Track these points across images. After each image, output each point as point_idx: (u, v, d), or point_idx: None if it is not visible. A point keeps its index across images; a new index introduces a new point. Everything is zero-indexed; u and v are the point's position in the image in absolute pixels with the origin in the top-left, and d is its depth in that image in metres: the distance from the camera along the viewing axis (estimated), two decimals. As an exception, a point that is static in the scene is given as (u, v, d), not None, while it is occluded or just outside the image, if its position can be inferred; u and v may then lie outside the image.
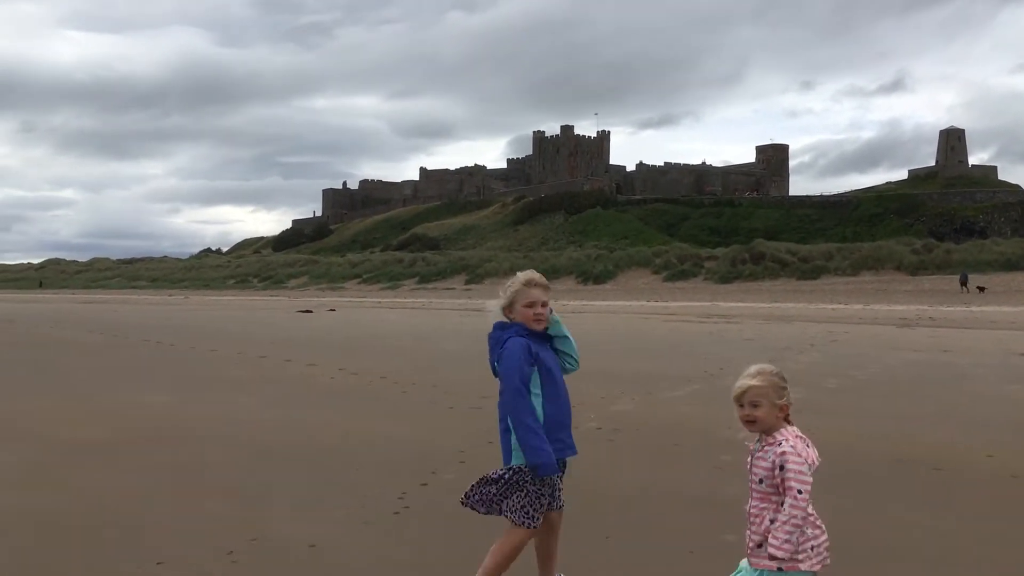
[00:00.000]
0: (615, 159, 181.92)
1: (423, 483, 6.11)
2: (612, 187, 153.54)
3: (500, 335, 3.82)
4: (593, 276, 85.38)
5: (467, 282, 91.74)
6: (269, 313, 37.83)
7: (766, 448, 3.13)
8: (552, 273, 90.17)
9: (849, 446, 7.30)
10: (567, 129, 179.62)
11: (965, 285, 56.37)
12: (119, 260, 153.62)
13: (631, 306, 43.68)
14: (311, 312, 37.11)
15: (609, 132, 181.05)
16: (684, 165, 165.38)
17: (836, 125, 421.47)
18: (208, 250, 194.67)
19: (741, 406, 3.17)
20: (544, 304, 3.82)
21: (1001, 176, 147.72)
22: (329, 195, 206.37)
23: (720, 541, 4.70)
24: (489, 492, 3.80)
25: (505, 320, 3.86)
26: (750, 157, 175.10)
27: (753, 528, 3.15)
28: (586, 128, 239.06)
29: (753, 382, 3.17)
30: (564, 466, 3.95)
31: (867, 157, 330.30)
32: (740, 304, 49.00)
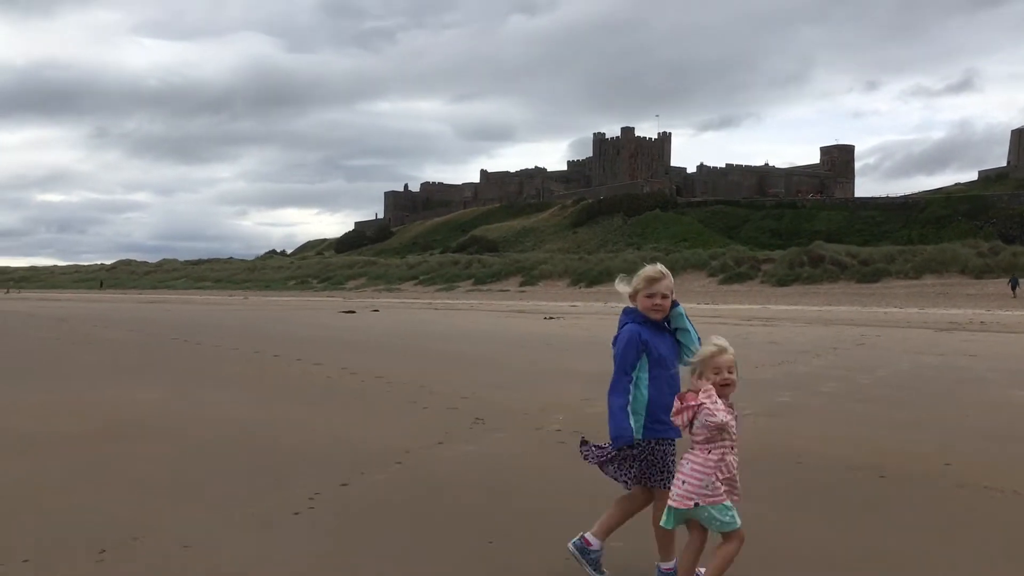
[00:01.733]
0: (676, 161, 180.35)
1: (344, 483, 6.03)
2: (672, 189, 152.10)
3: (622, 319, 4.24)
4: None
5: (522, 284, 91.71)
6: (313, 314, 38.31)
7: (732, 406, 3.74)
8: (607, 275, 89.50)
9: (804, 450, 7.04)
10: (627, 131, 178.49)
11: (1015, 290, 54.68)
12: (186, 261, 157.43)
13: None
14: (354, 312, 37.45)
15: (670, 134, 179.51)
16: (746, 167, 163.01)
17: (904, 126, 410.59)
18: (273, 252, 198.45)
19: (718, 371, 3.72)
20: (664, 296, 4.13)
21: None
22: (390, 197, 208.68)
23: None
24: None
25: (631, 305, 4.22)
26: (814, 158, 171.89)
27: (735, 476, 3.72)
28: (647, 130, 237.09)
29: (731, 352, 3.75)
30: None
31: (935, 158, 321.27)
32: (792, 307, 48.06)
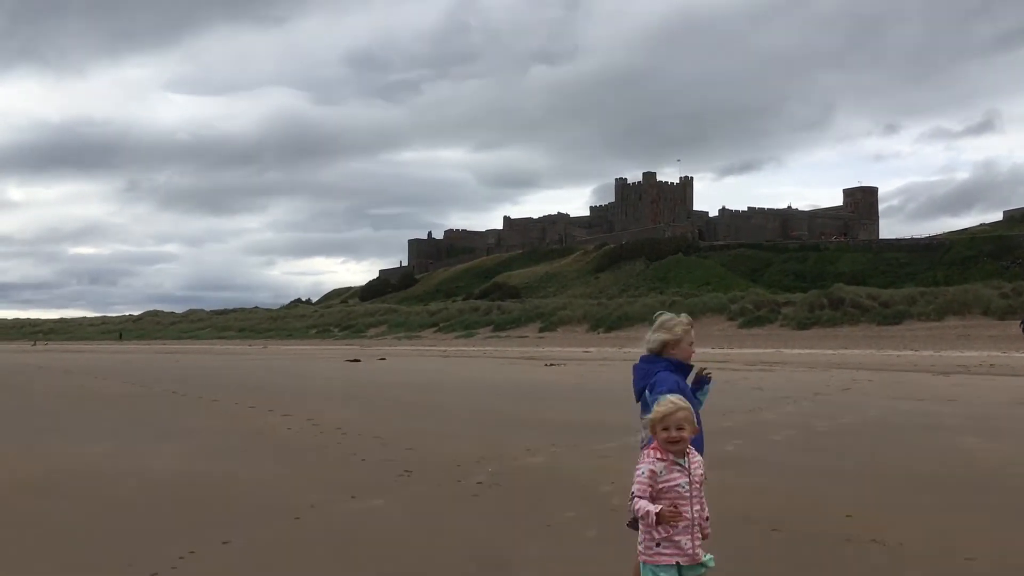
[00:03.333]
0: (698, 205, 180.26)
1: (225, 541, 6.00)
2: (694, 233, 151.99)
3: (650, 367, 4.52)
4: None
5: (541, 330, 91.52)
6: (320, 363, 38.44)
7: (693, 458, 3.89)
8: (626, 320, 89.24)
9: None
10: (649, 176, 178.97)
11: None
12: (212, 311, 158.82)
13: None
14: (359, 362, 37.54)
15: (691, 178, 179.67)
16: (768, 210, 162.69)
17: (927, 167, 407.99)
18: (298, 300, 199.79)
19: (666, 429, 3.80)
20: (692, 343, 4.64)
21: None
22: (414, 245, 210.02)
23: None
24: None
25: (654, 354, 4.55)
26: (837, 200, 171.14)
27: (699, 527, 3.86)
28: (669, 175, 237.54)
29: (682, 407, 3.84)
30: None
31: (960, 199, 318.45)
32: (806, 351, 47.53)
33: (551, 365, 31.68)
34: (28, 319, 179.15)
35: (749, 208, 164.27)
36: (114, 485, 8.16)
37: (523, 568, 5.30)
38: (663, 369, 4.47)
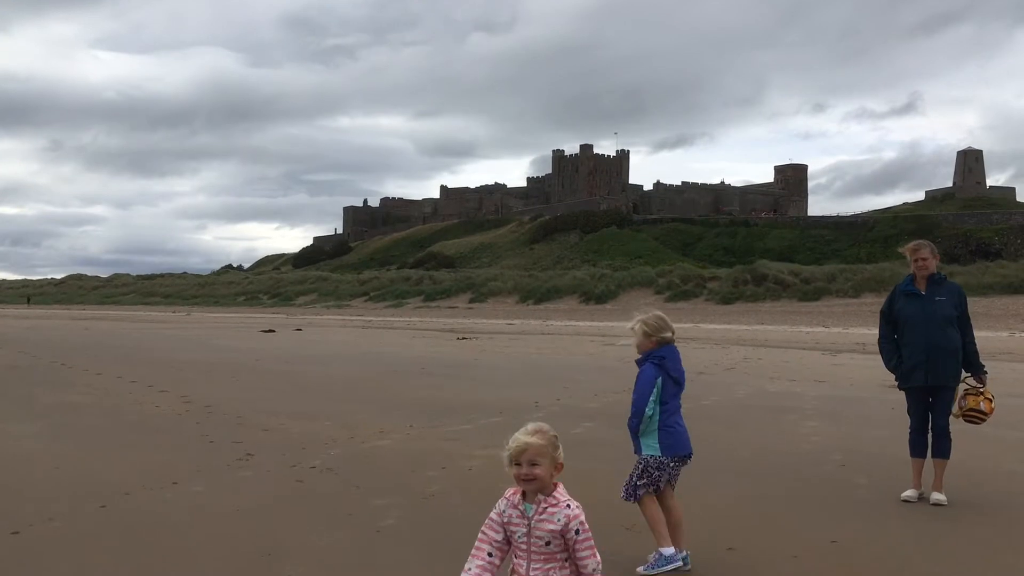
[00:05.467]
0: (634, 179, 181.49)
1: (15, 532, 5.92)
2: (629, 206, 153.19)
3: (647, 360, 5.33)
4: (595, 296, 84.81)
5: (471, 301, 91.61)
6: (234, 332, 37.92)
7: (549, 509, 3.17)
8: (555, 293, 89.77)
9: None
10: (586, 148, 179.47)
11: None
12: (139, 276, 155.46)
13: (603, 327, 43.24)
14: (274, 332, 37.14)
15: (628, 151, 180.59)
16: (702, 185, 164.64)
17: (855, 146, 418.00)
18: (229, 266, 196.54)
19: (518, 464, 3.17)
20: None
21: (1020, 198, 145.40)
22: (350, 212, 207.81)
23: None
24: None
25: (641, 348, 5.33)
26: (769, 177, 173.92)
27: None
28: (606, 148, 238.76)
29: (533, 440, 3.19)
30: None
31: (885, 178, 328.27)
32: (723, 326, 48.42)
33: (462, 339, 31.75)
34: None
35: (683, 183, 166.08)
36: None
37: (300, 559, 5.33)
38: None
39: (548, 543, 3.14)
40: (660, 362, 5.22)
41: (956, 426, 7.04)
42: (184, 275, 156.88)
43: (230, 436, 9.75)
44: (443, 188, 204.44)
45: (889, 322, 7.26)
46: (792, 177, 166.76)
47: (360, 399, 13.31)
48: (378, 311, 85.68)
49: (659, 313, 5.42)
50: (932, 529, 6.11)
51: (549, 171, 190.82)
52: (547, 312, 75.86)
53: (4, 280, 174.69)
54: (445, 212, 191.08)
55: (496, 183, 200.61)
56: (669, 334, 5.30)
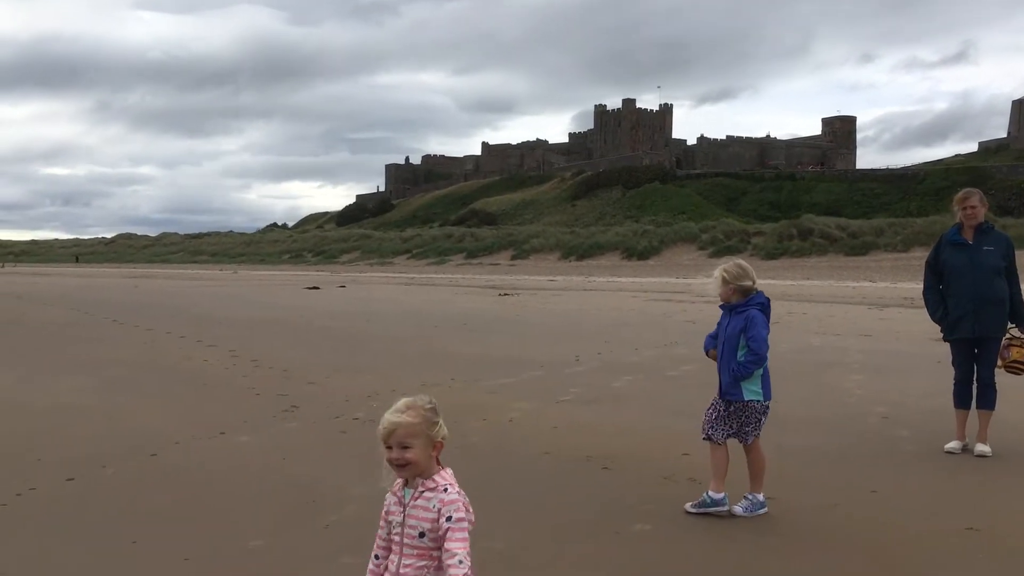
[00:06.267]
0: (677, 133, 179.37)
1: (69, 478, 6.13)
2: (672, 161, 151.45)
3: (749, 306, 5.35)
4: (638, 252, 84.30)
5: (513, 258, 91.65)
6: (279, 289, 38.45)
7: (425, 494, 2.73)
8: (597, 250, 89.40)
9: (560, 442, 7.09)
10: (628, 102, 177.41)
11: None
12: (186, 235, 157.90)
13: (646, 283, 43.09)
14: (318, 289, 37.57)
15: (671, 105, 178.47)
16: (746, 138, 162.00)
17: (906, 97, 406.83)
18: (274, 225, 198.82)
19: (389, 447, 2.74)
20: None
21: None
22: (392, 170, 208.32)
23: None
24: None
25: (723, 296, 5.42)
26: (816, 130, 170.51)
27: None
28: (648, 102, 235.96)
29: (403, 418, 2.73)
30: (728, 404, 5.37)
31: (936, 130, 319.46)
32: (769, 281, 47.91)
33: (504, 295, 31.84)
34: None
35: (727, 136, 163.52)
36: (-6, 419, 8.25)
37: (344, 506, 5.45)
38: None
39: (422, 534, 2.71)
40: (763, 309, 5.30)
41: (1001, 378, 6.95)
42: (230, 234, 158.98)
43: (276, 389, 9.93)
44: (484, 145, 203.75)
45: (935, 272, 7.15)
46: (840, 129, 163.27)
47: (403, 354, 13.46)
48: (420, 268, 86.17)
49: (740, 261, 5.46)
50: (975, 480, 6.07)
51: (591, 126, 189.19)
52: (589, 268, 75.72)
53: (56, 240, 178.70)
54: (487, 169, 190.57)
55: (538, 139, 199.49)
56: (749, 282, 5.34)
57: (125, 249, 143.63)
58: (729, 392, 5.31)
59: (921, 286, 7.50)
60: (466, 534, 2.70)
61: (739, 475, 5.39)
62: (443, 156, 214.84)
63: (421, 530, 2.71)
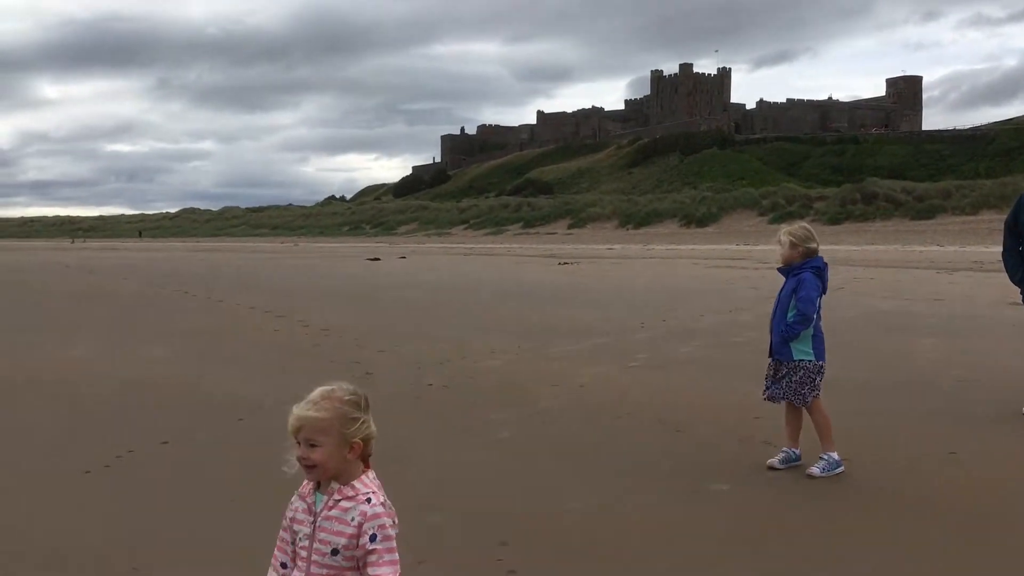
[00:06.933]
0: (735, 98, 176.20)
1: (164, 441, 6.40)
2: (731, 126, 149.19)
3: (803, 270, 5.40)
4: (696, 219, 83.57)
5: (570, 227, 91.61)
6: (342, 260, 39.03)
7: (342, 503, 2.28)
8: (655, 217, 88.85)
9: (623, 406, 7.18)
10: (685, 67, 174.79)
11: None
12: (248, 208, 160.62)
13: (706, 250, 42.75)
14: (379, 260, 38.05)
15: (729, 69, 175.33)
16: (807, 101, 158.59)
17: (972, 55, 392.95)
18: (332, 198, 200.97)
19: (297, 444, 2.30)
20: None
21: None
22: (447, 141, 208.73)
23: None
24: None
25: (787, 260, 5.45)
26: (879, 92, 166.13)
27: None
28: (706, 67, 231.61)
29: (310, 412, 2.27)
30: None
31: (1005, 88, 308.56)
32: (832, 247, 47.11)
33: (564, 264, 31.90)
34: (68, 216, 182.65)
35: (787, 100, 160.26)
36: (86, 386, 8.62)
37: (424, 467, 5.62)
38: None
39: (335, 551, 2.25)
40: (817, 272, 5.35)
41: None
42: (290, 207, 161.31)
43: (349, 357, 10.17)
44: (539, 113, 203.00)
45: (1014, 234, 7.02)
46: (905, 90, 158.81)
47: (468, 322, 13.64)
48: (478, 238, 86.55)
49: (804, 224, 5.58)
50: (1056, 442, 6.00)
51: (647, 92, 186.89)
52: (647, 236, 75.28)
53: (122, 215, 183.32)
54: (542, 138, 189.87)
55: (593, 107, 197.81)
56: (814, 244, 5.42)
57: (189, 224, 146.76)
58: (779, 352, 5.41)
59: (993, 250, 7.37)
60: (395, 555, 2.25)
61: (808, 441, 5.43)
62: (498, 126, 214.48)
63: (335, 547, 2.26)
